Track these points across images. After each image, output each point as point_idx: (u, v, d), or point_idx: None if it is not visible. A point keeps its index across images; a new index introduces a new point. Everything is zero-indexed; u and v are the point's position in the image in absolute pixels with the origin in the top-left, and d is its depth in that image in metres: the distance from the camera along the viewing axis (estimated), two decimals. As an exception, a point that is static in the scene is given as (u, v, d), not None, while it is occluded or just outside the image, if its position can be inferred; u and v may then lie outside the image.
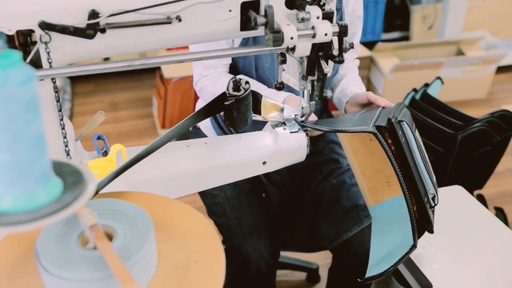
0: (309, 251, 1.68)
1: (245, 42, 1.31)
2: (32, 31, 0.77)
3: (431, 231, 1.05)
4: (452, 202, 1.39)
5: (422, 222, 1.04)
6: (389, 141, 1.01)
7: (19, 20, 0.75)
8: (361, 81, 1.48)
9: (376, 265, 1.11)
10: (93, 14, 0.78)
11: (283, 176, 1.50)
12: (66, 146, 0.87)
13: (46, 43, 0.77)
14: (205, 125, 1.53)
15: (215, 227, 1.41)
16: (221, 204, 1.44)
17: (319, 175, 1.48)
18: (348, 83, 1.41)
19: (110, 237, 0.61)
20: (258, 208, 1.46)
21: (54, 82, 0.83)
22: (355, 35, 1.51)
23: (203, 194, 1.50)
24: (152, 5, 0.80)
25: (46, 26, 0.76)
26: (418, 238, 1.03)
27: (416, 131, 1.10)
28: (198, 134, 1.54)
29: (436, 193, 1.06)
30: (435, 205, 1.05)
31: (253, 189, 1.48)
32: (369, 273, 1.09)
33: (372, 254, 1.15)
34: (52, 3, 0.76)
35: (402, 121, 1.04)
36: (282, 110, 1.05)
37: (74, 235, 0.60)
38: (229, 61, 1.41)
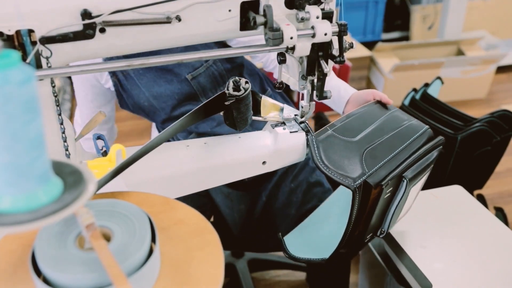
0: (271, 251, 1.68)
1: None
2: (32, 31, 0.77)
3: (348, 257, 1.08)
4: (452, 202, 1.39)
5: (350, 245, 1.08)
6: (374, 190, 0.98)
7: (19, 20, 0.75)
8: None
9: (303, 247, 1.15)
10: (93, 13, 0.77)
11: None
12: (66, 145, 0.87)
13: (47, 58, 0.77)
14: None
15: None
16: None
17: (274, 176, 1.44)
18: (337, 85, 1.31)
19: (108, 239, 0.61)
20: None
21: (54, 82, 0.83)
22: None
23: None
24: (151, 3, 0.80)
25: (46, 41, 0.76)
26: (332, 255, 1.08)
27: (420, 180, 1.07)
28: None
29: (388, 228, 1.11)
30: (379, 235, 1.13)
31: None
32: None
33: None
34: (52, 3, 0.76)
35: (404, 178, 1.01)
36: (281, 110, 1.05)
37: (71, 236, 0.60)
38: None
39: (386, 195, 1.01)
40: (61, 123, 0.86)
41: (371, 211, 1.02)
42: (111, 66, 0.83)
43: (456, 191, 1.44)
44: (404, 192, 1.02)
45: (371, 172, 0.99)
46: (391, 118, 1.13)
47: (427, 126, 1.11)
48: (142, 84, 1.30)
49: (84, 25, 0.78)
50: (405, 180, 1.00)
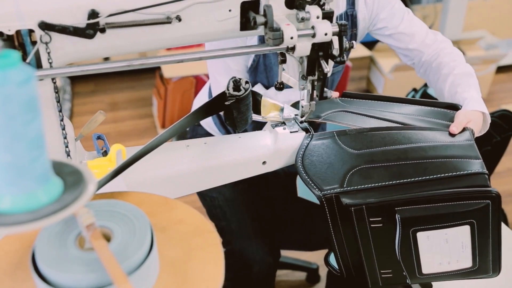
0: (309, 250, 1.67)
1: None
2: (32, 31, 0.77)
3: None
4: (452, 202, 1.39)
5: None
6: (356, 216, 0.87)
7: (19, 20, 0.75)
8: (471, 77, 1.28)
9: None
10: (93, 14, 0.77)
11: (279, 176, 1.47)
12: (66, 146, 0.87)
13: (46, 43, 0.77)
14: (207, 120, 1.49)
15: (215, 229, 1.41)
16: (220, 207, 1.42)
17: None
18: (465, 97, 1.16)
19: (108, 239, 0.61)
20: (256, 209, 1.44)
21: (54, 82, 0.83)
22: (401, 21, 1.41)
23: (202, 197, 1.47)
24: (152, 4, 0.80)
25: (45, 26, 0.76)
26: None
27: (443, 231, 0.88)
28: (196, 130, 1.52)
29: (409, 275, 0.93)
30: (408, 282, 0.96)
31: (251, 189, 1.46)
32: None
33: None
34: (52, 3, 0.76)
35: (398, 214, 0.86)
36: (282, 110, 1.05)
37: (71, 236, 0.60)
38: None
39: (375, 225, 0.88)
40: (62, 123, 0.86)
41: (366, 241, 0.90)
42: (111, 66, 0.83)
43: (456, 191, 1.44)
44: (401, 232, 0.86)
45: (349, 189, 0.89)
46: (435, 147, 0.95)
47: (480, 170, 0.89)
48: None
49: (86, 24, 0.78)
50: (398, 216, 0.85)
